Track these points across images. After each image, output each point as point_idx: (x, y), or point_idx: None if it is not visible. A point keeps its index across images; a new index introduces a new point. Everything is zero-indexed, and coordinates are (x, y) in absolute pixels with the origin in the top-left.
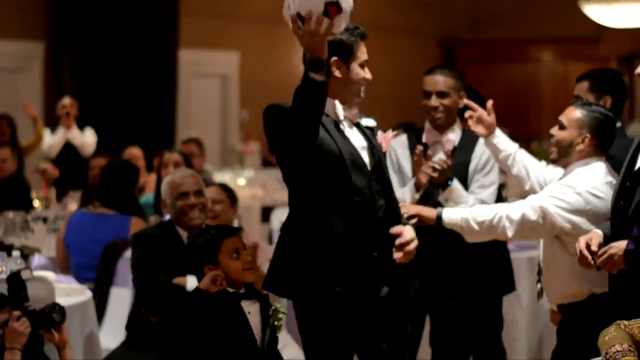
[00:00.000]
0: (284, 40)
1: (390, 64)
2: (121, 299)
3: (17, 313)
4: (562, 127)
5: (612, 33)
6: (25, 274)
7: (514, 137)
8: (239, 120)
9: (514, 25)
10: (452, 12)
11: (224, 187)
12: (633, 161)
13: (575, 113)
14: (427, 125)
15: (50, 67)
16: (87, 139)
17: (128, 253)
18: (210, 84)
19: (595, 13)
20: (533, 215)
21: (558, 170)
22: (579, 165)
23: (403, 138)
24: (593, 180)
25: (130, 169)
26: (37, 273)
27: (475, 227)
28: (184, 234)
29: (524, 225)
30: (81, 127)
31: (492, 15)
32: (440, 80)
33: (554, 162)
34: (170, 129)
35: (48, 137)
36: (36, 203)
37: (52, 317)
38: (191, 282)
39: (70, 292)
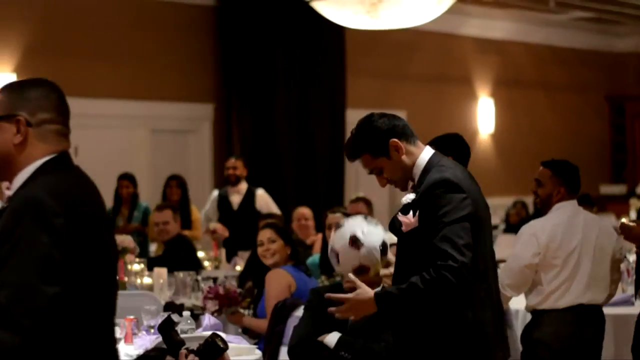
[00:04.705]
0: (450, 98)
1: (558, 120)
2: None
3: (184, 351)
4: None
5: None
6: (175, 317)
7: None
8: None
9: None
10: (619, 67)
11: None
12: None
13: None
14: None
15: (220, 128)
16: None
17: (297, 312)
18: None
19: None
20: None
21: None
22: None
23: None
24: None
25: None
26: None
27: None
28: None
29: None
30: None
31: None
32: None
33: None
34: (339, 188)
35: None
36: (206, 263)
37: (217, 344)
38: None
39: (240, 352)
